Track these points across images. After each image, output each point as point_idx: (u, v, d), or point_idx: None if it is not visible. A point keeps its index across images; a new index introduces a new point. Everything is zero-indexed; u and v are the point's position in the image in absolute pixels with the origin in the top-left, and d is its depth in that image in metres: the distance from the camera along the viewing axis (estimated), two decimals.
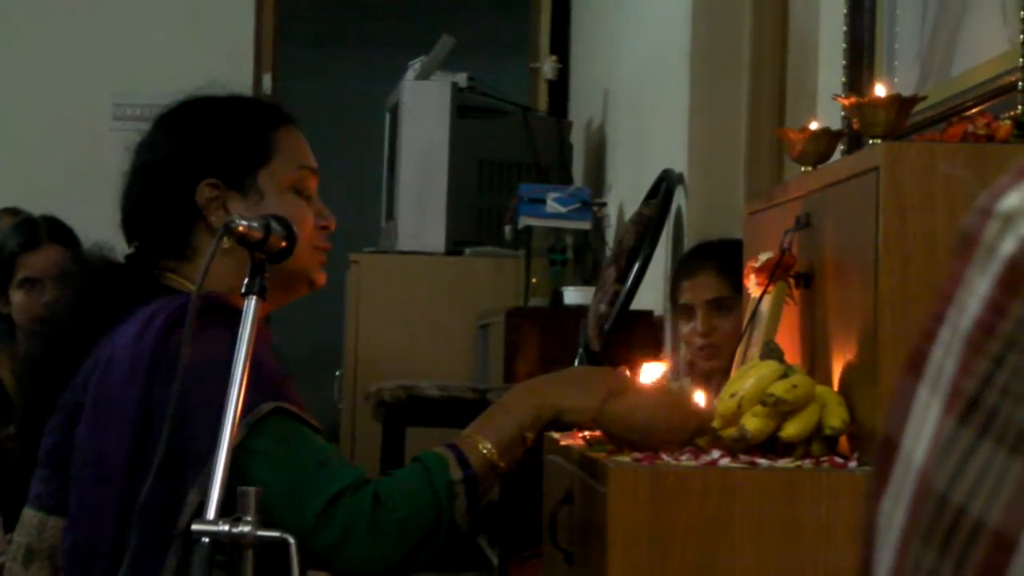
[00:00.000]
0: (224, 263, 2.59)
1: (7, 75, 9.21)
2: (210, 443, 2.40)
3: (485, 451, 2.68)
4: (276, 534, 2.19)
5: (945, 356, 0.75)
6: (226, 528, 2.15)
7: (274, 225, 2.46)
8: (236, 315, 2.47)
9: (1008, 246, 0.73)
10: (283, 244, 2.48)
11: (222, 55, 9.41)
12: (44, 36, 9.28)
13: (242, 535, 2.16)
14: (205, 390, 2.45)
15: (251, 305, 2.39)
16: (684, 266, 4.55)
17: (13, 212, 6.54)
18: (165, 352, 2.55)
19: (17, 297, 4.73)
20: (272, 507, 2.40)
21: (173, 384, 2.45)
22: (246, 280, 2.43)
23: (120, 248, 3.40)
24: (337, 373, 7.71)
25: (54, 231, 4.84)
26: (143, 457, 2.53)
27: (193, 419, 2.48)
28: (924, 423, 0.76)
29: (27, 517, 2.72)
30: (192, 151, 2.77)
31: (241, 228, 2.42)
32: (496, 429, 2.75)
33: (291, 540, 2.19)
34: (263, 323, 2.65)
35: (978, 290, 0.74)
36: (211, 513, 2.16)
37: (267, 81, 9.57)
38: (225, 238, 2.53)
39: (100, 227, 5.72)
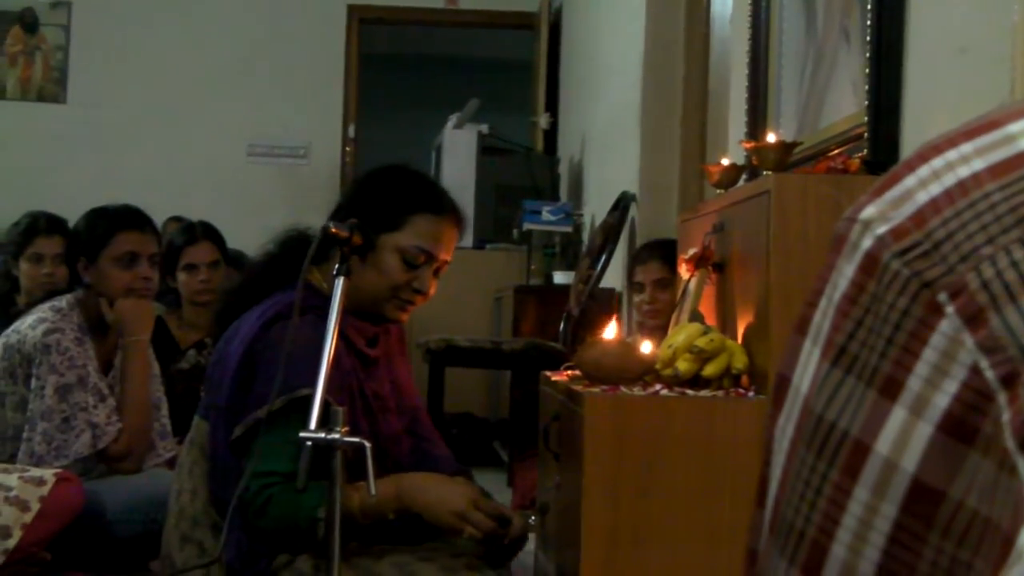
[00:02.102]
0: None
1: (172, 123, 9.21)
2: (262, 401, 2.41)
3: (353, 505, 2.45)
4: (356, 440, 2.17)
5: (823, 319, 0.76)
6: (322, 435, 2.14)
7: (356, 231, 2.44)
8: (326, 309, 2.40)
9: (867, 243, 0.73)
10: (360, 242, 2.45)
11: (321, 109, 9.44)
12: (199, 94, 9.28)
13: (333, 440, 2.15)
14: (279, 363, 2.40)
15: (339, 284, 2.36)
16: (637, 256, 4.56)
17: (178, 219, 6.56)
18: (267, 334, 2.54)
19: (181, 277, 4.72)
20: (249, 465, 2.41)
21: (265, 352, 2.46)
22: (336, 265, 2.40)
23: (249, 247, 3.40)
24: None
25: (207, 231, 4.83)
26: (236, 398, 2.53)
27: (264, 383, 2.46)
28: (808, 365, 0.76)
29: (194, 418, 2.74)
30: (363, 194, 2.71)
31: (333, 230, 2.41)
32: (380, 498, 2.47)
33: (367, 444, 2.16)
34: (357, 334, 2.64)
35: (846, 273, 0.74)
36: (312, 425, 2.14)
37: (352, 130, 9.57)
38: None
39: (238, 231, 5.75)
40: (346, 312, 2.60)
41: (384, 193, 2.71)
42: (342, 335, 2.59)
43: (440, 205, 2.74)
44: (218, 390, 2.61)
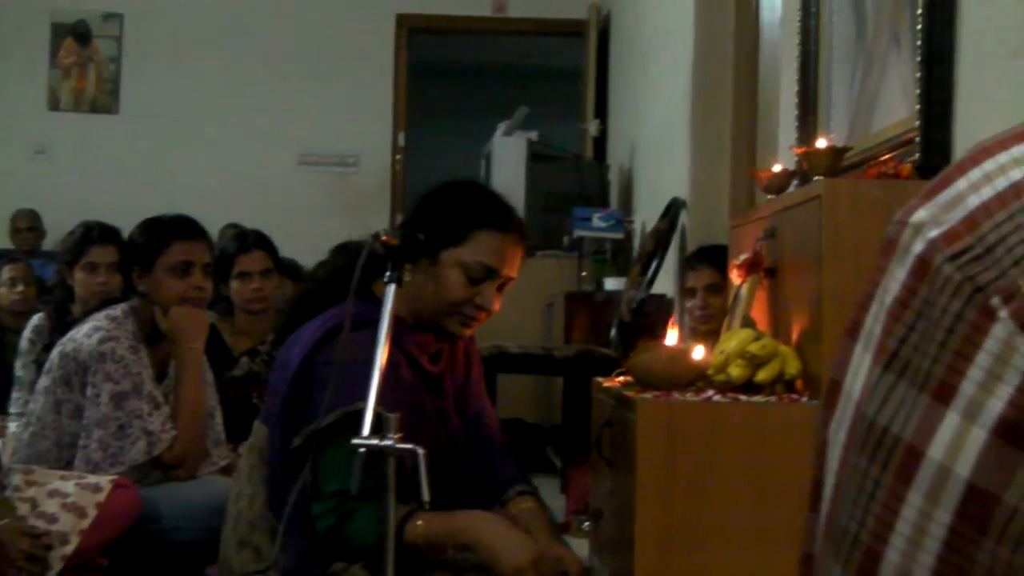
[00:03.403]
0: (405, 291, 2.51)
1: (223, 133, 9.27)
2: (318, 412, 2.41)
3: (417, 535, 2.45)
4: (409, 446, 2.17)
5: (874, 323, 0.75)
6: (375, 442, 2.15)
7: (407, 238, 2.44)
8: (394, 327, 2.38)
9: (918, 247, 0.73)
10: (407, 247, 2.44)
11: (371, 118, 9.47)
12: (250, 103, 9.34)
13: (386, 447, 2.16)
14: (340, 377, 2.39)
15: (390, 291, 2.35)
16: (688, 262, 4.56)
17: (233, 226, 6.60)
18: (323, 344, 2.55)
19: (235, 285, 4.75)
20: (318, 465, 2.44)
21: (323, 364, 2.47)
22: (387, 273, 2.39)
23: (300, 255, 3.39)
24: None
25: (259, 239, 4.86)
26: (292, 405, 2.54)
27: (320, 392, 2.44)
28: (859, 370, 0.76)
29: (255, 423, 2.76)
30: (429, 208, 2.71)
31: (384, 238, 2.40)
32: (443, 531, 2.49)
33: (420, 451, 2.16)
34: (419, 350, 2.65)
35: (897, 277, 0.74)
36: (365, 432, 2.15)
37: (401, 139, 9.60)
38: (408, 275, 2.50)
39: (289, 239, 5.78)
40: (409, 327, 2.61)
41: (448, 208, 2.71)
42: (403, 351, 2.60)
43: (505, 221, 2.73)
44: (276, 398, 2.62)
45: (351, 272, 2.37)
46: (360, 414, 2.20)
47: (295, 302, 2.92)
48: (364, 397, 2.20)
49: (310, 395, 2.52)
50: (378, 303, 2.36)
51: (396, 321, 2.40)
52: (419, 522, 2.45)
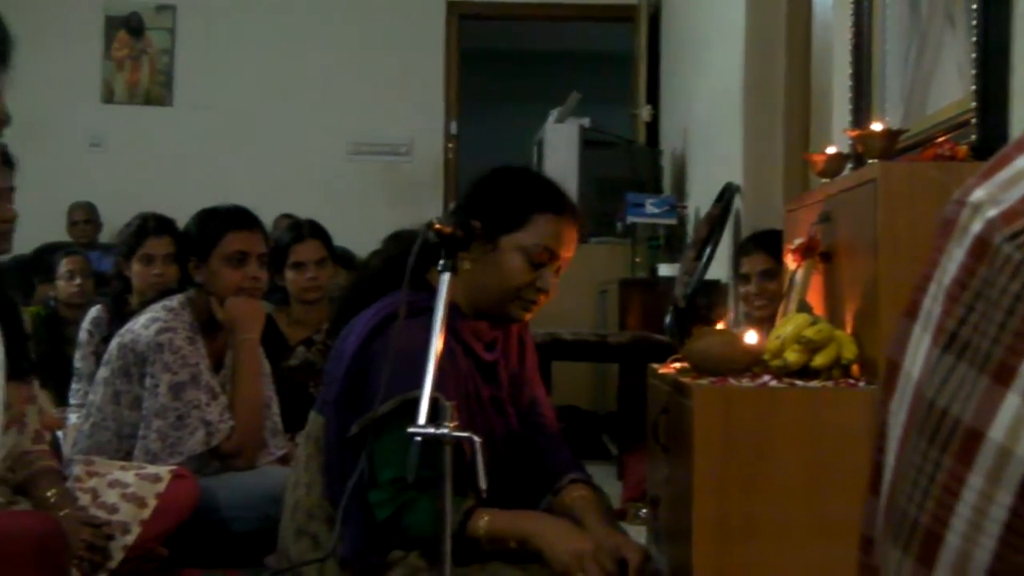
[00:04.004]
0: (462, 280, 2.53)
1: (276, 123, 9.31)
2: (374, 400, 2.41)
3: (480, 529, 2.47)
4: (466, 434, 2.17)
5: (933, 304, 0.75)
6: (432, 430, 2.15)
7: (463, 226, 2.44)
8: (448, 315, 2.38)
9: (976, 226, 0.72)
10: (461, 234, 2.44)
11: (422, 106, 9.49)
12: (302, 93, 9.38)
13: (442, 435, 2.16)
14: (397, 364, 2.39)
15: (444, 279, 2.35)
16: (743, 247, 4.56)
17: (287, 216, 6.64)
18: (381, 334, 2.55)
19: (290, 275, 4.77)
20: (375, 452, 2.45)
21: (379, 353, 2.48)
22: (441, 261, 2.39)
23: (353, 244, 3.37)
24: None
25: (314, 229, 4.87)
26: (348, 394, 2.55)
27: (376, 381, 2.46)
28: (918, 351, 0.76)
29: (311, 414, 2.77)
30: (484, 195, 2.71)
31: (438, 226, 2.39)
32: (506, 528, 2.49)
33: (476, 439, 2.17)
34: (475, 339, 2.65)
35: (955, 257, 0.73)
36: (422, 420, 2.15)
37: (453, 127, 9.61)
38: (467, 263, 2.54)
39: (342, 228, 5.81)
40: (464, 315, 2.62)
41: (504, 193, 2.71)
42: (459, 339, 2.61)
43: (561, 204, 2.73)
44: (332, 387, 2.63)
45: (405, 261, 2.37)
46: (416, 402, 2.19)
47: (349, 291, 2.93)
48: (420, 384, 2.19)
49: (366, 384, 2.53)
50: (432, 292, 2.35)
51: (451, 309, 2.40)
52: (484, 519, 2.46)
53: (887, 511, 0.79)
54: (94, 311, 4.89)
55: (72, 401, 4.75)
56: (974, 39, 2.92)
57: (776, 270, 3.96)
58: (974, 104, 2.93)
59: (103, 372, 3.88)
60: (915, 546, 0.75)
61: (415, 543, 2.49)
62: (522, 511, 2.56)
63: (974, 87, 2.93)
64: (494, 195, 2.70)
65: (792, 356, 2.76)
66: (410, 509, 2.46)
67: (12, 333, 3.19)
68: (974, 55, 2.92)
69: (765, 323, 4.03)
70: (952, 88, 3.17)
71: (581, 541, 2.47)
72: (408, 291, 2.37)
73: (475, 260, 2.60)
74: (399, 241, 2.77)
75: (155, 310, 3.87)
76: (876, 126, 2.96)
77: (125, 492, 3.51)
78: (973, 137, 2.91)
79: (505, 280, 2.63)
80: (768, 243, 4.20)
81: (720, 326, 2.99)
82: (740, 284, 4.48)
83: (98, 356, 4.34)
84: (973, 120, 2.93)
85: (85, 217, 8.69)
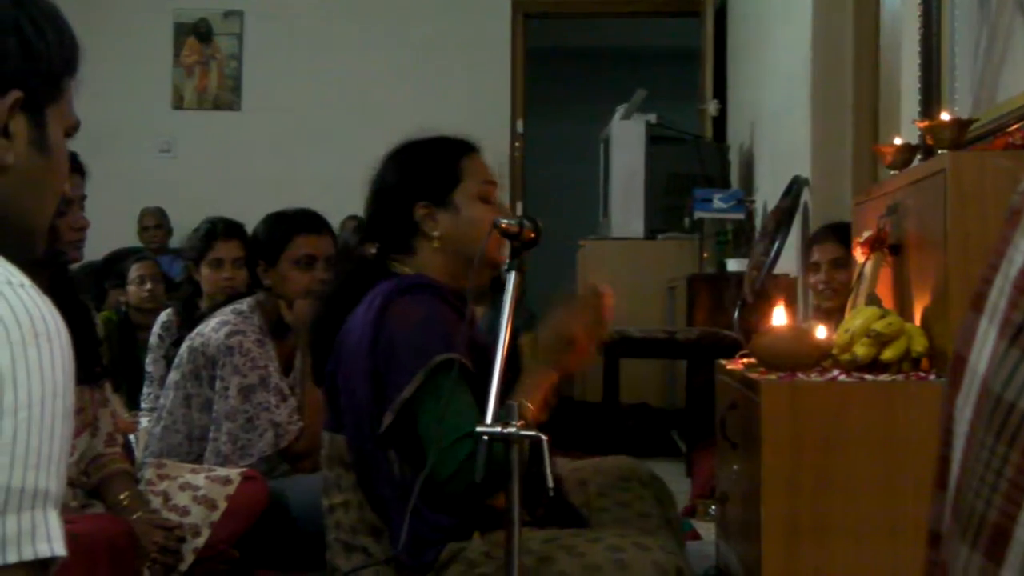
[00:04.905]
0: (436, 258, 2.68)
1: (343, 125, 9.34)
2: (405, 380, 2.44)
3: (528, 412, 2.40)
4: (533, 433, 2.16)
5: (999, 296, 0.73)
6: (499, 429, 2.15)
7: (526, 223, 2.44)
8: (437, 289, 2.57)
9: None
10: (532, 235, 2.44)
11: (489, 105, 9.49)
12: (369, 95, 9.41)
13: (509, 434, 2.15)
14: (403, 342, 2.47)
15: (511, 278, 2.36)
16: (816, 236, 4.56)
17: (354, 218, 6.66)
18: (382, 321, 2.55)
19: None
20: (425, 446, 2.42)
21: (387, 341, 2.48)
22: (507, 260, 2.41)
23: None
24: None
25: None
26: (377, 393, 2.53)
27: (398, 362, 2.48)
28: (985, 345, 0.74)
29: (323, 436, 2.75)
30: (407, 182, 2.76)
31: (504, 225, 2.41)
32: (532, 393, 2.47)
33: (543, 437, 2.16)
34: (455, 298, 2.64)
35: (1022, 248, 0.71)
36: (488, 419, 2.15)
37: (520, 126, 9.62)
38: (436, 241, 2.67)
39: None
40: (451, 290, 2.64)
41: (427, 164, 2.79)
42: (457, 311, 2.61)
43: (469, 144, 2.86)
44: (348, 395, 2.60)
45: (364, 265, 2.65)
46: (438, 367, 2.37)
47: (322, 303, 2.91)
48: (441, 350, 2.37)
49: (388, 374, 2.51)
50: (400, 278, 2.59)
51: (440, 287, 2.59)
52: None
53: (954, 507, 0.77)
54: (164, 315, 4.92)
55: (143, 405, 4.78)
56: None
57: (847, 259, 3.93)
58: None
59: (173, 376, 3.91)
60: (983, 542, 0.73)
61: (485, 489, 2.40)
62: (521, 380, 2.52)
63: None
64: (421, 171, 2.78)
65: (861, 350, 2.73)
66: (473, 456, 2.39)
67: (84, 338, 3.22)
68: None
69: (834, 314, 4.01)
70: (1022, 77, 3.13)
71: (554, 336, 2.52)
72: (386, 283, 2.60)
73: (442, 234, 2.69)
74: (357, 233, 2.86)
75: (224, 313, 3.89)
76: (945, 116, 2.93)
77: (196, 494, 3.53)
78: None
79: (479, 228, 2.64)
80: (841, 233, 4.18)
81: (779, 312, 2.96)
82: (810, 273, 4.46)
83: (168, 360, 4.36)
84: None
85: (155, 222, 8.76)
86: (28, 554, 1.05)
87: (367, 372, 2.54)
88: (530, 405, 2.40)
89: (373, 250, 2.80)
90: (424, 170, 2.78)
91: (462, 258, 2.66)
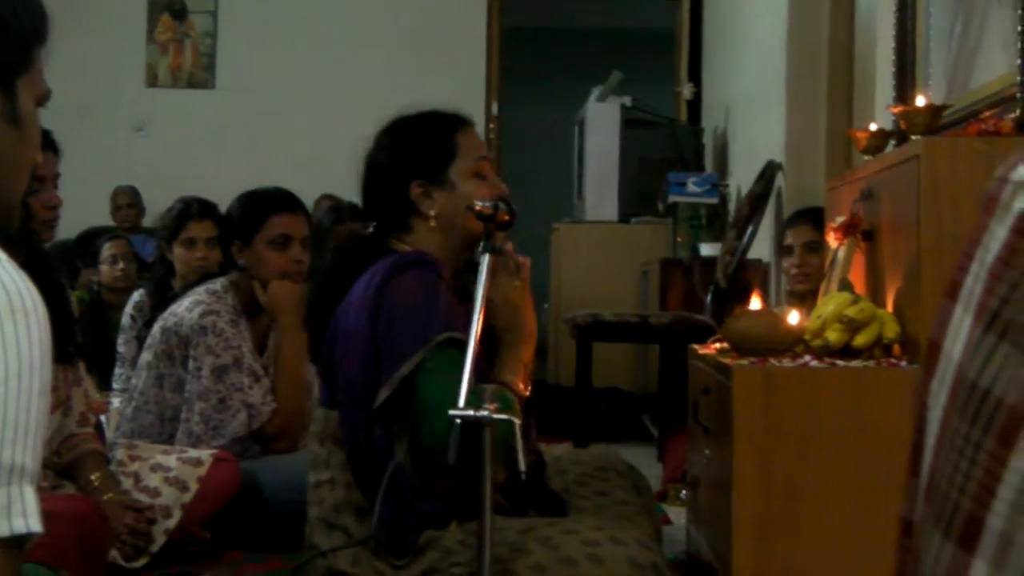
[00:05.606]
0: (433, 236, 2.66)
1: (317, 104, 9.31)
2: (403, 356, 2.42)
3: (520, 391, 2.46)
4: (505, 416, 2.15)
5: (975, 283, 0.73)
6: (471, 412, 2.14)
7: (501, 205, 2.44)
8: (435, 266, 2.55)
9: (1020, 203, 0.70)
10: (507, 217, 2.45)
11: (463, 88, 9.44)
12: (343, 74, 9.38)
13: (481, 417, 2.14)
14: (403, 319, 2.47)
15: (485, 260, 2.36)
16: (789, 220, 4.57)
17: (328, 196, 6.63)
18: (381, 298, 2.54)
19: (330, 257, 4.77)
20: (423, 411, 2.41)
21: (387, 317, 2.48)
22: (482, 242, 2.40)
23: None
24: (545, 305, 7.71)
25: (355, 212, 4.87)
26: (375, 369, 2.52)
27: (395, 338, 2.48)
28: (960, 331, 0.74)
29: (316, 412, 2.73)
30: (402, 161, 2.75)
31: (478, 207, 2.41)
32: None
33: (516, 421, 2.15)
34: (451, 273, 2.63)
35: (998, 236, 0.71)
36: (461, 402, 2.14)
37: (495, 107, 9.59)
38: (432, 220, 2.65)
39: None
40: (446, 266, 2.63)
41: (420, 140, 2.78)
42: (457, 292, 2.61)
43: (462, 119, 2.84)
44: (345, 371, 2.59)
45: (363, 241, 2.66)
46: (438, 345, 2.37)
47: (320, 281, 2.89)
48: (436, 329, 2.39)
49: (387, 349, 2.49)
50: (397, 255, 2.58)
51: (439, 264, 2.57)
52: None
53: (927, 494, 0.77)
54: (137, 295, 4.90)
55: (115, 386, 4.77)
56: (1020, 11, 2.89)
57: (820, 243, 3.94)
58: (1019, 79, 2.89)
59: (146, 356, 3.89)
60: (956, 530, 0.73)
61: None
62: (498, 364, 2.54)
63: (1020, 61, 2.89)
64: (415, 149, 2.76)
65: (833, 336, 2.74)
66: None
67: (59, 316, 3.20)
68: (1020, 27, 2.88)
69: (807, 299, 4.01)
70: (997, 62, 3.14)
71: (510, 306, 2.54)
72: (381, 261, 2.58)
73: (439, 212, 2.67)
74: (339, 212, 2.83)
75: (198, 293, 3.88)
76: (919, 101, 2.93)
77: (167, 476, 3.52)
78: (1018, 112, 2.88)
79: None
80: (815, 217, 4.19)
81: (754, 302, 2.96)
82: (783, 257, 4.47)
83: (141, 340, 4.35)
84: (1018, 95, 2.90)
85: (128, 201, 8.71)
86: (3, 530, 1.04)
87: (365, 349, 2.53)
88: (519, 383, 2.43)
89: (370, 228, 2.79)
90: (418, 148, 2.77)
91: (459, 235, 2.66)
